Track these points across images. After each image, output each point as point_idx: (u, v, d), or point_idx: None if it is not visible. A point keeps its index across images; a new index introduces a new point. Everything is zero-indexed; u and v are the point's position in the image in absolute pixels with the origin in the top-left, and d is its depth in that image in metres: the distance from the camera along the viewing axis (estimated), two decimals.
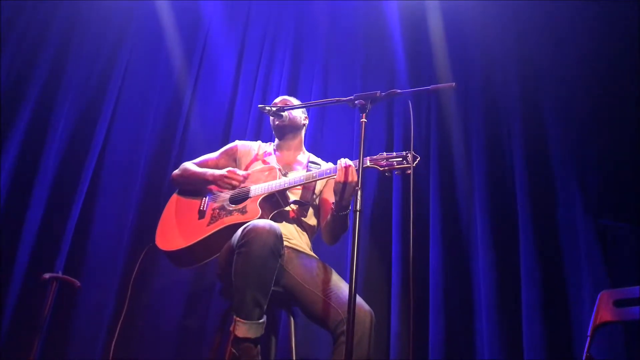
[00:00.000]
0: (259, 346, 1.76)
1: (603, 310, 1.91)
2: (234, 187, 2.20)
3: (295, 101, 2.52)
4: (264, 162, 2.39)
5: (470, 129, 3.24)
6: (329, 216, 2.16)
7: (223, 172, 2.24)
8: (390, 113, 3.44)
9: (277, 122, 2.39)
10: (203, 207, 2.26)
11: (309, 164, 2.40)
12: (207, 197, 2.30)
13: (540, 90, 3.18)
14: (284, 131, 2.42)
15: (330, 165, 2.47)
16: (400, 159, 1.96)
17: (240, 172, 2.23)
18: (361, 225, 1.71)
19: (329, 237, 2.26)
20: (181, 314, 3.03)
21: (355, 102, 1.92)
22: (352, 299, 1.55)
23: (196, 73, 3.66)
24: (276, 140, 2.49)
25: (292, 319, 2.11)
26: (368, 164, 1.99)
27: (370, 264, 3.04)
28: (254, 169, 2.34)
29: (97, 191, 3.17)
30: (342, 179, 1.96)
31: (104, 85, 3.40)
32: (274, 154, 2.44)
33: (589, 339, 1.90)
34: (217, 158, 2.47)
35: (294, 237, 2.21)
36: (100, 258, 3.03)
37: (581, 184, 2.82)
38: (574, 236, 2.74)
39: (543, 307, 2.61)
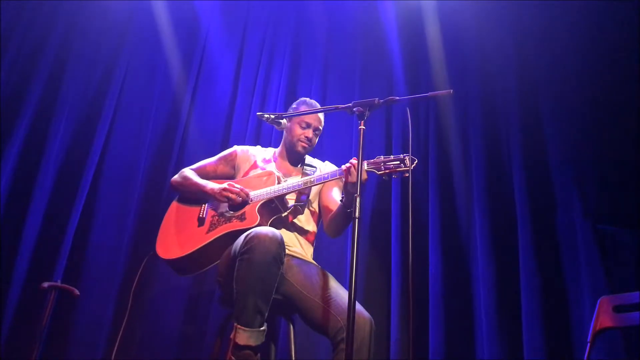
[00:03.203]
0: (259, 354, 1.76)
1: (603, 316, 1.91)
2: (231, 201, 2.20)
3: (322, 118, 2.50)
4: (261, 168, 2.39)
5: (469, 134, 3.24)
6: (334, 213, 2.22)
7: (222, 186, 2.22)
8: (388, 119, 3.45)
9: (297, 149, 2.38)
10: (202, 214, 2.26)
11: (304, 166, 2.41)
12: (207, 204, 2.30)
13: (538, 95, 3.18)
14: (303, 155, 2.43)
15: (327, 164, 2.48)
16: (398, 162, 1.97)
17: (238, 187, 2.21)
18: (360, 232, 1.71)
19: (333, 232, 2.29)
20: (180, 321, 3.02)
21: (354, 109, 1.93)
22: (352, 306, 1.55)
23: (195, 80, 3.67)
24: (280, 148, 2.49)
25: (291, 326, 2.10)
26: (365, 167, 2.00)
27: (369, 271, 3.03)
28: (252, 174, 2.35)
29: (96, 199, 3.17)
30: (353, 180, 1.98)
31: (102, 93, 3.41)
32: (274, 160, 2.44)
33: (589, 344, 1.90)
34: (216, 163, 2.47)
35: (294, 244, 2.21)
36: (99, 266, 3.02)
37: (580, 189, 2.82)
38: (573, 241, 2.74)
39: (543, 313, 2.61)
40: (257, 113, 2.31)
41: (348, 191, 2.02)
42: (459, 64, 3.46)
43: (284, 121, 2.35)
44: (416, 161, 1.96)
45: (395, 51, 3.61)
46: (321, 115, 2.44)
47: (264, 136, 3.43)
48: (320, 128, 2.44)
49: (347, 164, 2.01)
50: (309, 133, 2.38)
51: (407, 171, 1.94)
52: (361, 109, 1.91)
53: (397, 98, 1.97)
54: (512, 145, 3.09)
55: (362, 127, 1.88)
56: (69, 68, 3.39)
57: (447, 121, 3.29)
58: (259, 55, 3.81)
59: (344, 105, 1.99)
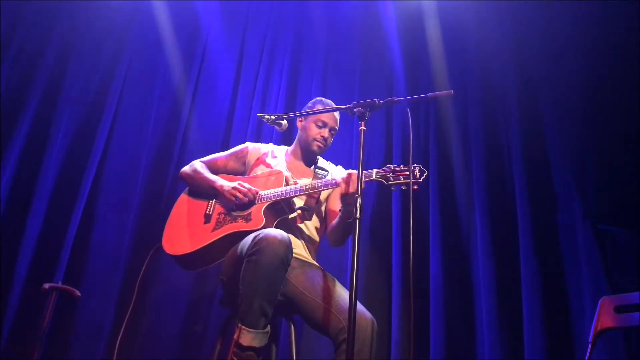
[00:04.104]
0: (261, 356, 1.76)
1: (604, 317, 1.91)
2: (239, 200, 2.18)
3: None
4: (266, 165, 2.38)
5: (469, 135, 3.25)
6: (335, 222, 2.19)
7: (232, 184, 2.20)
8: (389, 120, 3.45)
9: (315, 147, 2.35)
10: (209, 211, 2.25)
11: (316, 169, 2.38)
12: (214, 200, 2.29)
13: (538, 96, 3.19)
14: (317, 154, 2.40)
15: (340, 168, 2.47)
16: (407, 173, 1.95)
17: (247, 186, 2.19)
18: (361, 233, 1.71)
19: (335, 241, 2.27)
20: (181, 321, 3.02)
21: (354, 110, 1.92)
22: (353, 307, 1.55)
23: (195, 80, 3.68)
24: (293, 146, 2.47)
25: (292, 327, 2.10)
26: (374, 177, 1.99)
27: (370, 272, 3.04)
28: (260, 172, 2.34)
29: (96, 201, 3.17)
30: (345, 190, 1.97)
31: (103, 94, 3.42)
32: (285, 159, 2.43)
33: (590, 345, 1.90)
34: (227, 159, 2.45)
35: (297, 246, 2.20)
36: (99, 268, 3.03)
37: (580, 190, 2.82)
38: (573, 242, 2.74)
39: (544, 314, 2.61)
40: (258, 114, 2.30)
41: (345, 202, 2.02)
42: (459, 65, 3.46)
43: (284, 122, 2.33)
44: (426, 173, 1.93)
45: (395, 52, 3.61)
46: (337, 115, 2.41)
47: (265, 136, 3.43)
48: (336, 128, 2.41)
49: (343, 175, 2.00)
50: (325, 132, 2.36)
51: (416, 183, 1.91)
52: (362, 110, 1.90)
53: (398, 99, 1.96)
54: (513, 145, 3.09)
55: (362, 127, 1.87)
56: (70, 68, 3.40)
57: (448, 122, 3.29)
58: (260, 55, 3.81)
59: (344, 106, 1.99)
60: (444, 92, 2.05)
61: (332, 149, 3.30)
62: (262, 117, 2.25)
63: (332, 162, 2.54)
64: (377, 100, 1.91)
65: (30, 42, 3.39)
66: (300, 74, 3.74)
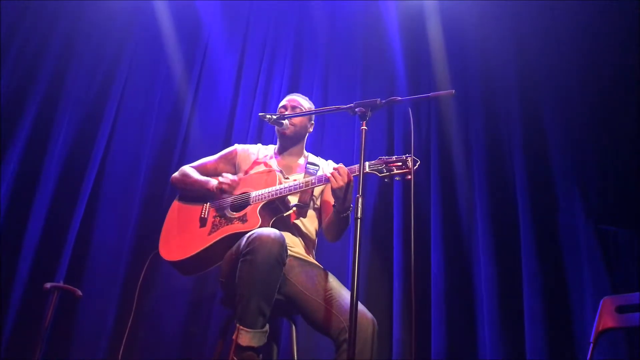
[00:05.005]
0: (261, 355, 1.76)
1: (605, 317, 1.91)
2: (226, 192, 2.19)
3: (304, 102, 2.49)
4: (266, 164, 2.38)
5: (471, 135, 3.24)
6: (330, 217, 2.19)
7: (219, 179, 2.23)
8: (390, 120, 3.44)
9: (280, 130, 2.38)
10: (204, 215, 2.26)
11: (308, 165, 2.38)
12: (208, 203, 2.29)
13: (540, 96, 3.18)
14: (289, 138, 2.42)
15: (330, 162, 2.47)
16: (400, 163, 1.96)
17: (231, 177, 2.21)
18: (362, 232, 1.71)
19: (332, 236, 2.28)
20: (183, 322, 3.02)
21: (356, 109, 1.92)
22: (354, 306, 1.55)
23: (197, 80, 3.68)
24: (278, 143, 2.48)
25: (293, 327, 2.10)
26: (367, 169, 1.99)
27: (371, 271, 3.03)
28: (253, 172, 2.34)
29: (98, 201, 3.17)
30: (337, 185, 1.97)
31: (105, 94, 3.42)
32: (275, 157, 2.43)
33: (591, 345, 1.90)
34: (216, 162, 2.47)
35: (296, 244, 2.20)
36: (101, 267, 3.03)
37: (582, 189, 2.82)
38: (575, 242, 2.74)
39: (545, 314, 2.61)
40: (259, 114, 2.30)
41: (337, 196, 2.03)
42: (460, 64, 3.45)
43: (285, 122, 2.34)
44: (419, 162, 1.94)
45: (397, 51, 3.61)
46: (295, 96, 2.46)
47: (266, 136, 3.43)
48: (297, 105, 2.44)
49: (332, 170, 2.01)
50: (284, 112, 2.40)
51: (410, 173, 1.92)
52: (363, 110, 1.90)
53: (399, 98, 1.96)
54: (514, 144, 3.09)
55: (364, 127, 1.87)
56: (71, 69, 3.41)
57: (449, 121, 3.29)
58: (261, 55, 3.81)
59: (346, 106, 1.98)
60: (446, 92, 2.05)
61: (334, 148, 3.32)
62: (264, 116, 2.26)
63: (335, 161, 2.54)
64: (378, 99, 1.91)
65: (31, 43, 3.39)
66: (302, 73, 3.74)
